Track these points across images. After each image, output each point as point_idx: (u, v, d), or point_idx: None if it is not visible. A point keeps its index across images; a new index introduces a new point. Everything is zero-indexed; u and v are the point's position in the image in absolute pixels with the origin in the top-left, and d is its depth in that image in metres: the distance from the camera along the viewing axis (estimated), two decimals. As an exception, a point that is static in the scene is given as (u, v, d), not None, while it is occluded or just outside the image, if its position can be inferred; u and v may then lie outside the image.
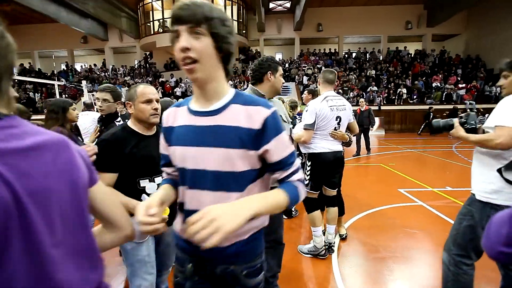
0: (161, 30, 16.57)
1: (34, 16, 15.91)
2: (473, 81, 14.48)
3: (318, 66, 16.24)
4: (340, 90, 13.98)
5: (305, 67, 15.97)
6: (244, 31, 18.04)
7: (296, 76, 15.62)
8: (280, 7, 17.94)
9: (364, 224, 3.08)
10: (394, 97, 13.84)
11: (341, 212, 2.80)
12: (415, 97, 13.96)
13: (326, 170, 2.37)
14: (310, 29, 18.25)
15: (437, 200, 3.80)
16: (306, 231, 3.00)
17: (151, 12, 16.95)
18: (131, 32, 17.89)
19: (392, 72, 15.57)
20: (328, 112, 2.26)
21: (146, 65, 18.53)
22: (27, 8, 13.36)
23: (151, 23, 16.99)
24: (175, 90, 15.33)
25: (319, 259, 2.40)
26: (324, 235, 2.51)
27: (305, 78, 15.25)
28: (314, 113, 2.25)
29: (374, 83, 14.61)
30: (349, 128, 2.54)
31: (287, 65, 17.10)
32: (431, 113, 12.05)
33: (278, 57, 20.71)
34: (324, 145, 2.34)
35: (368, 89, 14.06)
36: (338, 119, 2.33)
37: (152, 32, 16.90)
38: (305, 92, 4.14)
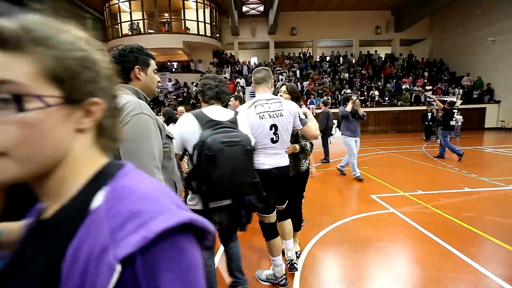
0: (130, 33, 15.80)
1: (-15, 16, 14.52)
2: (439, 83, 15.19)
3: (293, 69, 16.26)
4: (313, 93, 14.04)
5: (279, 70, 15.90)
6: (217, 35, 17.71)
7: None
8: (253, 11, 17.85)
9: (333, 239, 2.83)
10: (367, 99, 14.12)
11: (297, 228, 2.52)
12: (386, 98, 14.35)
13: (270, 188, 1.94)
14: (284, 32, 18.32)
15: (409, 206, 3.66)
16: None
17: (118, 14, 16.12)
18: (98, 35, 16.89)
19: (364, 75, 15.95)
20: (256, 120, 1.84)
21: (115, 69, 17.54)
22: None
23: (119, 25, 16.16)
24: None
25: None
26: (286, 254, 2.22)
27: (279, 83, 15.16)
28: (246, 121, 1.87)
29: (347, 85, 14.84)
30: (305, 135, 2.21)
31: (262, 69, 16.95)
32: (432, 113, 10.41)
33: (254, 60, 20.59)
34: (264, 160, 1.92)
35: (342, 92, 14.23)
36: (274, 128, 1.89)
37: (120, 35, 16.06)
38: (231, 98, 3.76)
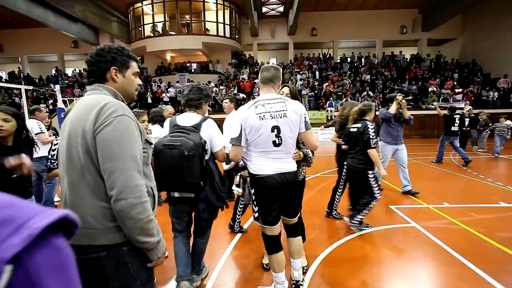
0: (152, 35, 16.24)
1: (23, 20, 15.55)
2: (470, 86, 14.14)
3: (312, 70, 15.89)
4: (333, 95, 13.60)
5: (298, 71, 15.60)
6: (237, 36, 17.74)
7: (290, 81, 15.23)
8: (273, 11, 17.68)
9: (344, 255, 2.59)
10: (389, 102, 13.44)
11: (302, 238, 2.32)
12: (410, 101, 13.56)
13: (272, 197, 1.79)
14: (304, 33, 17.97)
15: (433, 220, 3.31)
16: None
17: (142, 16, 16.63)
18: (122, 36, 17.56)
19: (387, 77, 15.23)
20: (255, 121, 1.70)
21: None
22: (13, 12, 13.01)
23: (142, 27, 16.66)
24: (163, 95, 14.89)
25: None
26: (293, 269, 2.03)
27: (298, 83, 14.87)
28: (239, 124, 1.73)
29: (368, 88, 14.23)
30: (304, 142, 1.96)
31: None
32: (463, 118, 7.12)
33: (272, 61, 20.40)
34: (264, 165, 1.74)
35: (363, 94, 13.67)
36: (276, 130, 1.72)
37: (142, 36, 16.55)
38: (226, 100, 3.63)
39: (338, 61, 17.58)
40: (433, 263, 2.42)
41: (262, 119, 1.70)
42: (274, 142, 1.73)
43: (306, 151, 1.98)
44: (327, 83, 14.52)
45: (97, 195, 0.97)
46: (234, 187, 2.48)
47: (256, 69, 16.89)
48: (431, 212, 3.60)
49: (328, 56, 18.07)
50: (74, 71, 19.44)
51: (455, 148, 6.52)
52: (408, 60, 17.28)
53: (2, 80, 18.71)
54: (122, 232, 0.98)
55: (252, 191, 1.83)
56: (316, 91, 14.30)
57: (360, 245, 2.75)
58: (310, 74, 15.35)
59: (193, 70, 17.93)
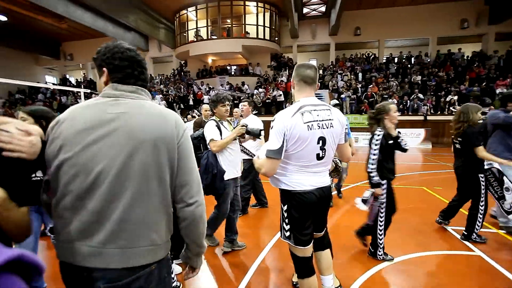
0: (195, 40, 17.01)
1: (88, 31, 17.57)
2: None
3: (355, 71, 15.04)
4: (378, 99, 12.64)
5: (341, 73, 14.89)
6: (276, 38, 17.66)
7: (330, 83, 14.61)
8: (314, 12, 17.20)
9: (387, 280, 2.25)
10: (444, 106, 12.03)
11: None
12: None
13: (309, 214, 1.62)
14: (347, 33, 17.12)
15: (505, 250, 2.75)
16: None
17: (186, 23, 17.56)
18: (169, 42, 18.73)
19: (442, 77, 13.66)
20: (303, 131, 1.47)
21: (181, 73, 19.17)
22: (80, 25, 14.81)
23: (186, 32, 17.58)
24: (203, 98, 15.46)
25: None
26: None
27: (340, 85, 14.18)
28: (281, 134, 1.47)
29: (417, 90, 12.91)
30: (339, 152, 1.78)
31: (321, 72, 16.17)
32: None
33: (312, 63, 19.85)
34: (304, 180, 1.56)
35: (412, 97, 12.46)
36: (321, 142, 1.53)
37: (186, 42, 17.45)
38: (244, 102, 3.52)
39: (384, 61, 16.36)
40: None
41: (311, 129, 1.50)
42: (318, 155, 1.56)
43: (336, 161, 1.74)
44: (371, 85, 13.56)
45: (164, 207, 0.92)
46: (358, 202, 2.41)
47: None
48: (502, 238, 3.00)
49: (372, 56, 16.93)
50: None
51: None
52: (469, 58, 15.31)
53: (71, 84, 21.34)
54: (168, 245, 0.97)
55: (285, 207, 1.67)
56: (358, 94, 13.47)
57: (407, 271, 2.38)
58: (352, 76, 14.53)
59: (232, 73, 18.34)
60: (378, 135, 2.33)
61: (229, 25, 16.84)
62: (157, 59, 21.23)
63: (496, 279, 2.25)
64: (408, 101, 12.35)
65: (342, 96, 12.93)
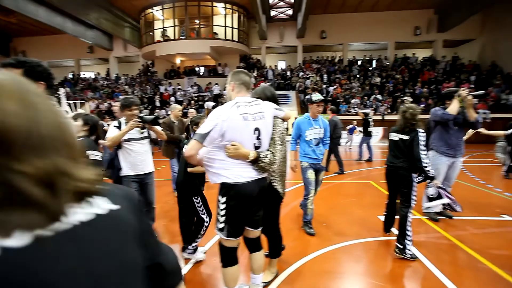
0: (162, 40, 16.61)
1: (44, 27, 16.37)
2: (488, 88, 13.39)
3: (320, 73, 15.66)
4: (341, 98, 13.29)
5: (307, 74, 15.41)
6: (245, 39, 17.81)
7: (297, 84, 15.07)
8: (282, 15, 17.62)
9: (316, 268, 2.44)
10: (400, 106, 12.97)
11: (276, 253, 2.20)
12: (422, 105, 13.02)
13: (246, 207, 1.71)
14: (313, 36, 17.76)
15: (425, 233, 3.09)
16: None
17: (152, 22, 17.09)
18: (134, 41, 18.08)
19: (398, 80, 14.72)
20: (239, 121, 1.60)
21: (148, 73, 18.60)
22: (35, 20, 13.73)
23: (153, 32, 17.10)
24: (170, 98, 15.16)
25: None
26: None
27: (306, 86, 14.67)
28: (213, 123, 1.57)
29: (378, 91, 13.80)
30: None
31: (288, 73, 16.62)
32: None
33: (281, 65, 20.30)
34: (243, 172, 1.66)
35: (372, 97, 13.28)
36: (257, 132, 1.68)
37: (152, 41, 16.98)
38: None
39: (347, 63, 17.21)
40: (413, 283, 2.23)
41: (246, 119, 1.64)
42: (254, 145, 1.69)
43: (264, 154, 1.77)
44: (334, 87, 14.22)
45: None
46: (434, 205, 2.76)
47: (264, 72, 16.88)
48: (424, 224, 3.36)
49: (337, 59, 17.75)
50: (90, 75, 20.19)
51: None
52: (421, 63, 16.65)
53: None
54: None
55: (223, 199, 1.73)
56: (324, 95, 14.04)
57: (339, 258, 2.59)
58: (318, 78, 15.11)
59: (201, 74, 18.17)
60: (423, 135, 2.52)
61: (197, 26, 16.69)
62: (122, 58, 20.39)
63: (409, 262, 2.53)
64: (368, 101, 13.13)
65: (308, 96, 13.40)
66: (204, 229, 2.53)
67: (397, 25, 17.07)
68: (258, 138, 1.69)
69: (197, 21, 16.72)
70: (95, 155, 2.38)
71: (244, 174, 1.68)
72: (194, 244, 2.51)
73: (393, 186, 2.85)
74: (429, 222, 3.41)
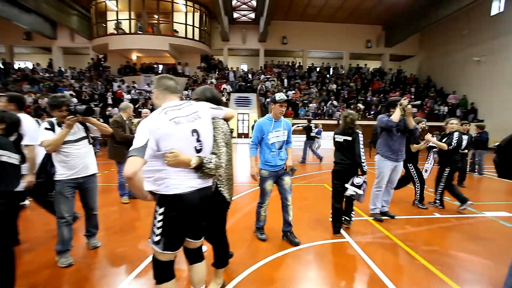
0: (116, 32, 15.38)
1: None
2: (425, 99, 15.13)
3: (281, 77, 16.04)
4: (299, 103, 13.77)
5: (267, 78, 15.65)
6: (207, 40, 17.45)
7: (259, 87, 15.21)
8: (244, 18, 17.70)
9: (265, 276, 2.37)
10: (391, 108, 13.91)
11: (223, 263, 2.08)
12: (372, 112, 14.17)
13: (188, 217, 1.57)
14: (275, 41, 18.19)
15: (370, 234, 3.25)
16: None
17: (105, 12, 15.74)
18: (83, 31, 16.45)
19: (352, 88, 15.81)
20: (170, 127, 1.45)
21: (99, 68, 17.03)
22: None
23: (105, 23, 15.75)
24: (124, 96, 14.08)
25: None
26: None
27: (267, 89, 14.88)
28: (146, 133, 1.41)
29: (334, 97, 14.64)
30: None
31: (250, 76, 16.70)
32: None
33: (243, 67, 20.36)
34: (183, 180, 1.51)
35: (329, 103, 14.01)
36: (196, 134, 1.54)
37: (105, 33, 15.63)
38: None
39: (307, 69, 17.97)
40: (355, 283, 2.30)
41: (178, 123, 1.49)
42: (195, 148, 1.55)
43: (208, 159, 1.58)
44: (294, 91, 14.69)
45: None
46: (351, 189, 3.06)
47: (226, 74, 16.71)
48: (369, 225, 3.55)
49: (298, 64, 18.41)
50: (25, 65, 17.76)
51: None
52: (372, 73, 18.15)
53: None
54: None
55: (161, 210, 1.54)
56: (283, 99, 14.41)
57: (286, 264, 2.56)
58: (278, 82, 15.46)
59: (159, 72, 17.27)
60: (362, 136, 3.06)
61: (156, 21, 15.85)
62: (69, 49, 18.40)
63: (354, 259, 2.62)
64: (325, 106, 13.82)
65: (268, 100, 13.58)
66: None
67: (352, 37, 18.40)
68: (198, 140, 1.56)
69: (156, 16, 15.88)
70: (10, 157, 1.99)
71: (186, 183, 1.53)
72: None
73: (341, 181, 3.17)
74: (374, 222, 3.61)
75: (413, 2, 14.52)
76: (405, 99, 3.34)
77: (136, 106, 12.70)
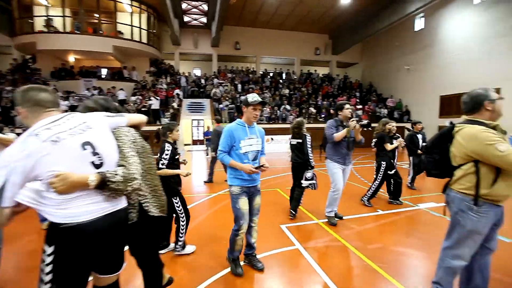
0: (46, 30, 13.58)
1: None
2: (368, 103, 16.54)
3: (234, 82, 15.95)
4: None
5: (221, 83, 15.42)
6: (156, 43, 16.53)
7: (212, 92, 14.86)
8: (196, 22, 17.26)
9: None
10: (305, 116, 14.45)
11: None
12: (323, 115, 14.92)
13: (88, 254, 1.25)
14: (228, 46, 18.10)
15: (320, 238, 3.21)
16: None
17: (31, 7, 13.80)
18: (3, 27, 14.13)
19: (304, 93, 16.49)
20: (48, 148, 1.12)
21: (26, 70, 14.79)
22: None
23: (32, 19, 13.80)
24: (63, 103, 12.45)
25: None
26: None
27: (220, 94, 14.62)
28: (3, 171, 1.05)
29: (286, 101, 15.05)
30: None
31: (203, 81, 16.28)
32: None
33: (196, 72, 19.81)
34: (83, 207, 1.21)
35: (282, 107, 14.34)
36: (90, 146, 1.24)
37: (32, 31, 13.67)
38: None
39: (260, 75, 18.24)
40: (304, 295, 2.18)
41: (58, 141, 1.16)
42: (92, 163, 1.25)
43: (112, 173, 1.27)
44: (249, 96, 14.71)
45: None
46: (305, 183, 3.73)
47: (177, 79, 15.99)
48: (319, 229, 3.53)
49: (251, 70, 18.58)
50: None
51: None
52: (321, 79, 19.23)
53: None
54: None
55: (50, 249, 1.18)
56: (237, 103, 14.29)
57: (229, 284, 2.33)
58: (232, 87, 15.34)
59: (103, 76, 15.76)
60: (309, 138, 3.76)
61: (97, 21, 14.47)
62: (-16, 48, 15.63)
63: (304, 267, 2.52)
64: (278, 111, 14.09)
65: (221, 105, 13.37)
66: (183, 228, 2.75)
67: (302, 45, 19.28)
68: (95, 154, 1.26)
69: (97, 15, 14.49)
70: None
71: (88, 209, 1.22)
72: (180, 242, 2.78)
73: (296, 176, 3.87)
74: (323, 225, 3.61)
75: (354, 15, 15.83)
76: (352, 121, 3.35)
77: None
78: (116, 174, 1.27)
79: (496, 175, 1.55)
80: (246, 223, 2.36)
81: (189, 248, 2.85)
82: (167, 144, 2.66)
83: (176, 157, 2.74)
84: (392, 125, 4.65)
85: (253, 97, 2.30)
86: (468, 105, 1.70)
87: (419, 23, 15.11)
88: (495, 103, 1.63)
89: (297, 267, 2.59)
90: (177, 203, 2.69)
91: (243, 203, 2.33)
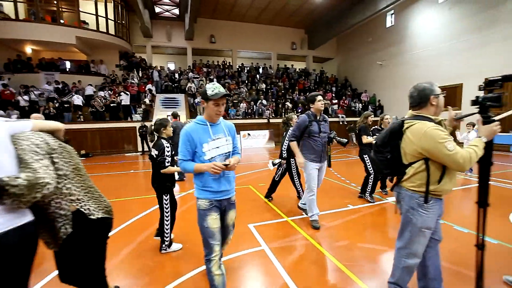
0: (-2, 18, 12.29)
1: None
2: (343, 97, 16.85)
3: (210, 77, 15.54)
4: (230, 103, 13.56)
5: (196, 77, 14.94)
6: (126, 34, 15.63)
7: (187, 87, 14.37)
8: (168, 13, 16.51)
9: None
10: (281, 111, 14.44)
11: None
12: (300, 110, 14.98)
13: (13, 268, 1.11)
14: (203, 40, 17.55)
15: (287, 237, 3.12)
16: None
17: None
18: None
19: (281, 87, 16.45)
20: None
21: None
22: None
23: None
24: (17, 99, 11.41)
25: None
26: None
27: (195, 89, 14.18)
28: None
29: (263, 96, 14.93)
30: None
31: (177, 76, 15.69)
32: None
33: (170, 66, 19.07)
34: None
35: (258, 102, 14.20)
36: None
37: (-21, 19, 12.31)
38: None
39: (237, 69, 17.93)
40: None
41: None
42: None
43: (6, 180, 1.05)
44: (225, 91, 14.40)
45: None
46: (270, 166, 4.26)
47: (150, 73, 15.27)
48: (288, 226, 3.45)
49: (228, 64, 18.21)
50: None
51: None
52: (298, 73, 19.29)
53: None
54: None
55: None
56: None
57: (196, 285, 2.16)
58: (207, 81, 14.92)
59: (67, 70, 14.65)
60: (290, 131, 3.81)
61: (56, 9, 13.34)
62: None
63: (268, 270, 2.41)
64: (255, 106, 13.94)
65: (196, 100, 12.97)
66: (167, 226, 2.73)
67: (278, 39, 19.17)
68: None
69: (55, 3, 13.35)
70: None
71: None
72: (166, 241, 2.76)
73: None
74: (292, 223, 3.53)
75: (329, 10, 15.94)
76: (332, 133, 3.45)
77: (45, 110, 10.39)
78: (17, 178, 1.08)
79: (442, 172, 1.56)
80: (218, 248, 1.81)
81: (175, 246, 2.85)
82: (164, 141, 2.61)
83: (173, 153, 2.65)
84: (373, 117, 4.59)
85: (213, 89, 1.76)
86: (415, 100, 1.65)
87: (390, 20, 15.54)
88: (439, 98, 1.62)
89: (260, 268, 2.47)
90: (166, 200, 2.69)
91: (213, 221, 1.80)
